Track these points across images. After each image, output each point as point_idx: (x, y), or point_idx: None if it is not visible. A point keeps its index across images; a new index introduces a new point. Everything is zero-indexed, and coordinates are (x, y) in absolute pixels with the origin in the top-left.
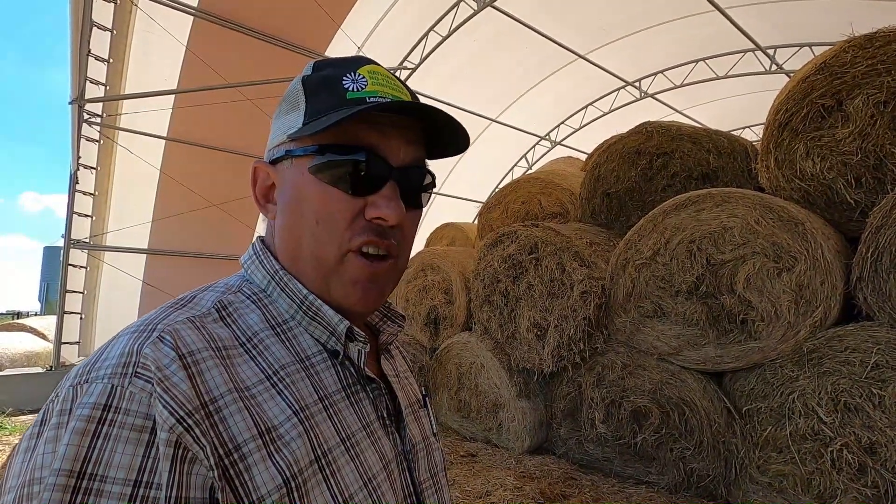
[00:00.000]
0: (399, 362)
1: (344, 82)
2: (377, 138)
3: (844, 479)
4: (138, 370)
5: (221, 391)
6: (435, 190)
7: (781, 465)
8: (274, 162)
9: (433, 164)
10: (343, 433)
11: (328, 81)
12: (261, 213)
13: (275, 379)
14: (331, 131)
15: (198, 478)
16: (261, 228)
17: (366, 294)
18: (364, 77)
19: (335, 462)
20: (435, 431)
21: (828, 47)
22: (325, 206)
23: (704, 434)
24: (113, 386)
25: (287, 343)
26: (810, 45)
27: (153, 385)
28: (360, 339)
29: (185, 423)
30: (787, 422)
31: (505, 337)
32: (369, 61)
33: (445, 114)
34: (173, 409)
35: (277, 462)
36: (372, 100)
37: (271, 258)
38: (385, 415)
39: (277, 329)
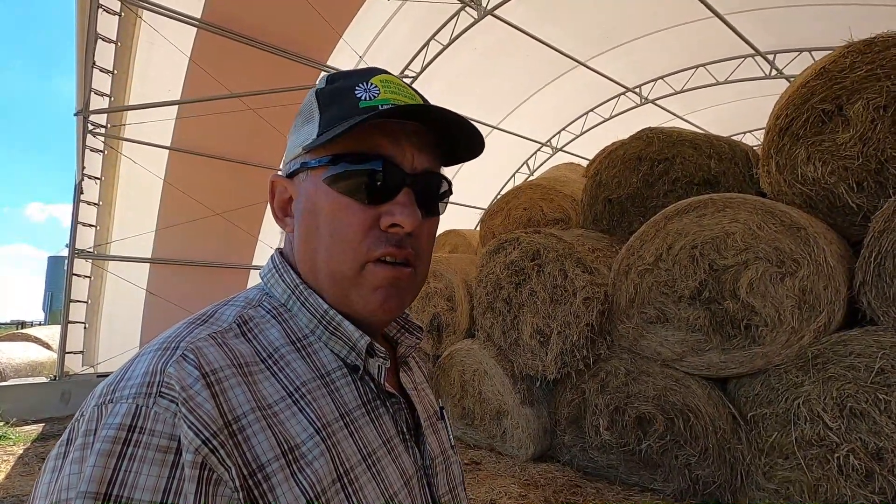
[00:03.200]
0: (417, 374)
1: (356, 92)
2: (390, 146)
3: (852, 485)
4: (163, 390)
5: (244, 410)
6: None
7: (788, 471)
8: (291, 175)
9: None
10: (364, 451)
11: (341, 92)
12: (279, 226)
13: (296, 396)
14: (344, 140)
15: (222, 499)
16: (265, 237)
17: (387, 300)
18: (376, 86)
19: (357, 480)
20: (452, 444)
21: (827, 52)
22: (338, 218)
23: (709, 440)
24: (138, 406)
25: (307, 359)
26: (810, 51)
27: (178, 405)
28: (381, 354)
29: (210, 445)
30: (792, 428)
31: (508, 344)
32: (382, 71)
33: (455, 114)
34: (198, 429)
35: (301, 482)
36: (385, 108)
37: (291, 272)
38: (405, 429)
39: (298, 344)
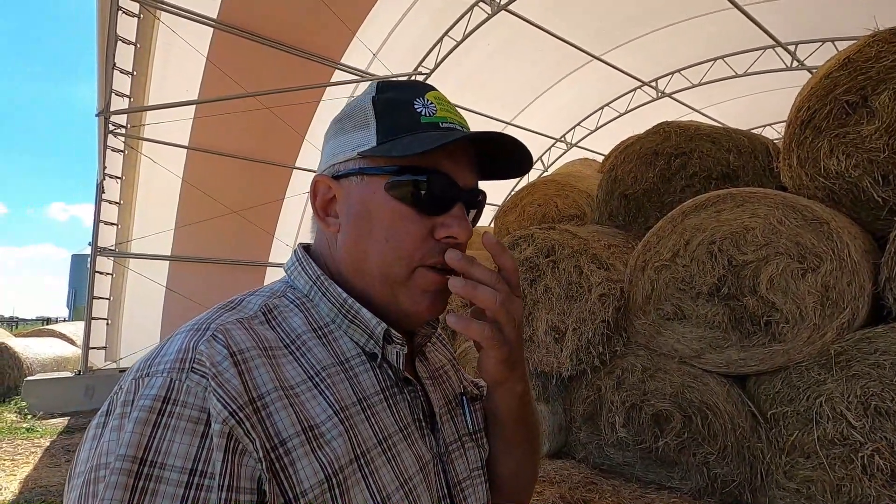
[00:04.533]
0: (436, 358)
1: (415, 105)
2: (450, 163)
3: (876, 485)
4: (194, 366)
5: (268, 388)
6: None
7: (809, 470)
8: (338, 177)
9: None
10: (380, 434)
11: (398, 104)
12: (319, 224)
13: (317, 380)
14: (411, 154)
15: (247, 469)
16: (281, 234)
17: (434, 303)
18: (433, 103)
19: (373, 462)
20: (471, 430)
21: (851, 42)
22: (395, 225)
23: (728, 439)
24: (172, 380)
25: (328, 346)
26: (833, 41)
27: (208, 380)
28: (398, 340)
29: (237, 417)
30: (814, 426)
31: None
32: (432, 87)
33: (523, 146)
34: (226, 402)
35: (320, 458)
36: (445, 125)
37: (313, 264)
38: (421, 417)
39: (319, 332)
